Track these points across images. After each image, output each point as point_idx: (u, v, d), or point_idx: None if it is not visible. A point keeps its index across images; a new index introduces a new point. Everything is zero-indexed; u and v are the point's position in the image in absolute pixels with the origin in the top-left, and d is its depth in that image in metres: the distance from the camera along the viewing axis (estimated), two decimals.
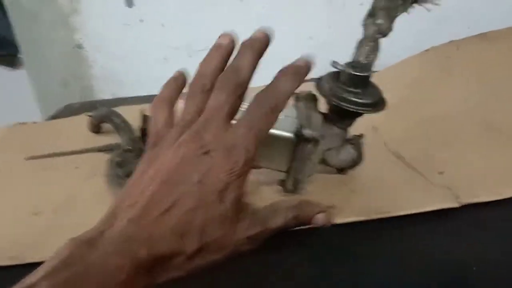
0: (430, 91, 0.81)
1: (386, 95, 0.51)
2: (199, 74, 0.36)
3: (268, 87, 0.34)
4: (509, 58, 0.85)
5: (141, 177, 0.32)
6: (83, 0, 1.05)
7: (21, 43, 1.12)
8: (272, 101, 0.33)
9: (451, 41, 0.92)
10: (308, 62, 0.35)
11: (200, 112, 0.34)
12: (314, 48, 1.12)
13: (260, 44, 0.36)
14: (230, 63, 0.35)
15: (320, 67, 1.14)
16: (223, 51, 0.37)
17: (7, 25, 1.11)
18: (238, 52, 0.36)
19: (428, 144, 0.65)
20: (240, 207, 0.32)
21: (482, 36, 0.91)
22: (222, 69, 0.36)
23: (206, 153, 0.31)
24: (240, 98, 0.34)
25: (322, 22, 1.08)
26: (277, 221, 0.34)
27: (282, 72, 0.34)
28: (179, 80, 0.40)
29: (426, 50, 0.92)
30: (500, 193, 0.51)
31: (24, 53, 1.14)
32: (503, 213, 0.50)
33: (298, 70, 0.34)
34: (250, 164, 0.32)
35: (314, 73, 1.09)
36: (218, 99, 0.33)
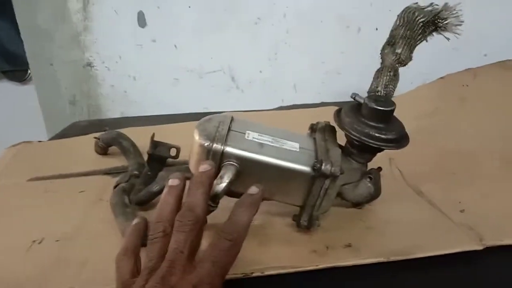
0: (447, 121, 0.79)
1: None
2: (158, 219, 0.37)
3: (227, 221, 0.36)
4: None
5: None
6: (95, 18, 1.05)
7: (31, 59, 1.12)
8: (233, 235, 0.35)
9: (468, 69, 0.91)
10: (260, 190, 0.39)
11: (163, 256, 0.34)
12: (326, 72, 1.12)
13: (208, 178, 0.40)
14: (184, 201, 0.38)
15: (332, 92, 1.13)
16: (176, 192, 0.39)
17: (18, 42, 1.11)
18: (189, 190, 0.38)
19: (447, 179, 0.62)
20: None
21: (501, 65, 0.89)
22: (178, 209, 0.38)
23: None
24: (198, 234, 0.36)
25: (335, 47, 1.08)
26: None
27: (238, 205, 0.37)
28: (141, 227, 0.41)
29: (442, 78, 0.90)
30: None
31: (34, 69, 1.14)
32: None
33: (252, 201, 0.38)
34: None
35: (325, 97, 1.08)
36: (178, 240, 0.34)
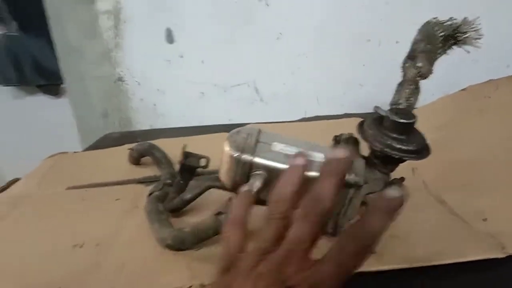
0: (469, 131, 0.80)
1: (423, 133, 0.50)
2: (278, 198, 0.34)
3: (361, 223, 0.31)
4: None
5: None
6: (126, 36, 1.10)
7: (65, 74, 1.18)
8: (365, 240, 0.30)
9: (489, 80, 0.91)
10: (400, 196, 0.31)
11: (279, 240, 0.31)
12: (348, 84, 1.14)
13: (342, 168, 0.35)
14: (313, 190, 0.33)
15: (354, 103, 1.15)
16: (300, 172, 0.36)
17: (53, 57, 1.18)
18: (322, 176, 0.34)
19: (469, 188, 0.63)
20: None
21: None
22: (300, 192, 0.34)
23: None
24: (322, 228, 0.32)
25: (357, 60, 1.10)
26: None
27: (376, 208, 0.31)
28: (248, 200, 0.38)
29: (463, 89, 0.91)
30: None
31: (67, 84, 1.20)
32: None
33: (391, 207, 0.31)
34: None
35: (347, 109, 1.09)
36: (302, 230, 0.31)
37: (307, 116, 1.08)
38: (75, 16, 1.09)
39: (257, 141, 0.49)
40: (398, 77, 0.55)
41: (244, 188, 0.40)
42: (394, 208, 0.30)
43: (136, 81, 1.15)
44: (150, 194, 0.61)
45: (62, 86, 1.27)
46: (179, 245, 0.51)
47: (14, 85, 1.31)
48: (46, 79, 1.28)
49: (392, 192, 0.31)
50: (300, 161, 0.37)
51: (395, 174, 0.53)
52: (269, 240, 0.32)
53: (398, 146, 0.46)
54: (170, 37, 1.09)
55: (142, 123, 1.19)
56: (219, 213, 0.47)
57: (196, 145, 0.69)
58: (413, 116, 0.47)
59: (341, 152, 0.35)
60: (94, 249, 0.54)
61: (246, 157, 0.47)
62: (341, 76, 1.12)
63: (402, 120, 0.46)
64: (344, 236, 0.31)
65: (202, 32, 1.08)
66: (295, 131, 0.86)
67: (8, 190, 0.74)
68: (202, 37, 1.08)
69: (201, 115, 1.16)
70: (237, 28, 1.07)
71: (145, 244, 0.54)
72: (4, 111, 1.33)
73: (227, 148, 0.48)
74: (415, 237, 0.52)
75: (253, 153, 0.47)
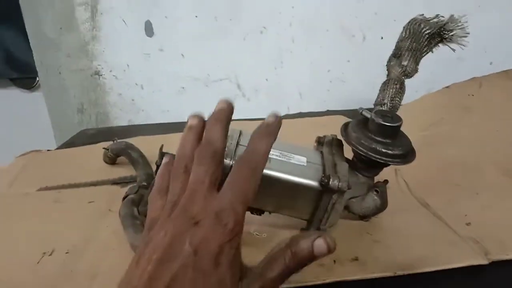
0: (452, 132, 0.79)
1: (406, 133, 0.49)
2: (178, 157, 0.38)
3: (246, 150, 0.36)
4: None
5: (139, 261, 0.33)
6: (103, 28, 1.06)
7: (40, 67, 1.13)
8: (252, 163, 0.34)
9: (473, 78, 0.91)
10: (277, 117, 0.38)
11: (185, 190, 0.35)
12: (332, 81, 1.13)
13: (226, 114, 0.39)
14: (203, 137, 0.38)
15: (338, 100, 1.14)
16: (195, 130, 0.40)
17: (27, 49, 1.13)
18: (207, 125, 0.38)
19: (453, 191, 0.62)
20: (237, 268, 0.33)
21: (506, 74, 0.90)
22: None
23: (196, 223, 0.32)
24: (218, 166, 0.36)
25: (341, 55, 1.08)
26: (276, 268, 0.33)
27: (256, 134, 0.36)
28: (170, 167, 0.41)
29: (447, 87, 0.91)
30: None
31: (42, 77, 1.15)
32: None
33: (270, 129, 0.37)
34: (241, 224, 0.32)
35: (331, 105, 1.08)
36: (198, 172, 0.35)
37: (290, 112, 1.07)
38: (51, 7, 1.05)
39: (238, 144, 0.47)
40: (382, 73, 0.54)
41: (165, 160, 0.42)
42: (274, 130, 0.37)
43: (114, 75, 1.11)
44: (124, 197, 0.59)
45: (36, 79, 1.22)
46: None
47: None
48: (20, 72, 1.24)
49: (270, 118, 0.37)
50: (194, 121, 0.40)
51: (378, 176, 0.52)
52: (176, 193, 0.35)
53: (383, 150, 0.45)
54: (149, 30, 1.06)
55: (120, 119, 1.16)
56: None
57: (177, 142, 0.67)
58: (399, 119, 0.46)
59: (222, 105, 0.40)
60: (64, 257, 0.51)
61: (226, 161, 0.45)
62: (325, 72, 1.10)
63: (387, 124, 0.45)
64: (236, 164, 0.35)
65: (183, 25, 1.05)
66: None
67: None
68: (183, 30, 1.06)
69: (182, 111, 1.12)
70: (218, 21, 1.05)
71: (120, 251, 0.52)
72: None
73: None
74: (398, 243, 0.51)
75: (233, 157, 0.45)
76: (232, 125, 0.45)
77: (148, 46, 1.07)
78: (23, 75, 1.24)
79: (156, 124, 0.99)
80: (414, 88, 0.79)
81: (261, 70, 1.10)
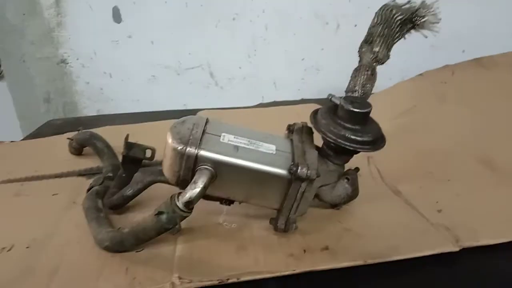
0: (424, 119, 0.79)
1: (379, 121, 0.49)
2: None
3: None
4: (504, 87, 0.84)
5: None
6: (69, 14, 1.02)
7: (3, 56, 1.08)
8: None
9: (445, 66, 0.91)
10: None
11: None
12: (306, 69, 1.11)
13: None
14: None
15: (312, 88, 1.13)
16: None
17: None
18: None
19: (424, 178, 0.63)
20: None
21: (477, 62, 0.90)
22: None
23: None
24: None
25: (315, 43, 1.07)
26: None
27: None
28: None
29: (420, 75, 0.91)
30: (502, 236, 0.49)
31: (6, 66, 1.10)
32: (506, 256, 0.48)
33: None
34: None
35: (305, 94, 1.07)
36: None
37: (265, 101, 1.05)
38: None
39: (204, 132, 0.46)
40: (356, 61, 0.53)
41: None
42: None
43: (81, 63, 1.07)
44: (89, 189, 0.56)
45: (1, 68, 1.17)
46: (117, 247, 0.46)
47: None
48: None
49: None
50: None
51: (350, 162, 0.51)
52: None
53: (353, 137, 0.44)
54: (117, 16, 1.02)
55: (89, 108, 1.12)
56: (159, 213, 0.43)
57: (144, 133, 0.65)
58: (369, 105, 0.45)
59: None
60: (24, 252, 0.49)
61: (191, 150, 0.43)
62: (299, 61, 1.09)
63: (356, 110, 0.44)
64: None
65: (152, 11, 1.02)
66: (251, 118, 0.83)
67: None
68: (152, 16, 1.02)
69: (153, 100, 1.10)
70: (189, 7, 1.02)
71: (82, 245, 0.49)
72: None
73: (169, 140, 0.44)
74: (370, 231, 0.51)
75: (198, 145, 0.44)
76: (204, 114, 0.44)
77: (116, 33, 1.04)
78: None
79: (126, 113, 0.96)
80: (388, 76, 0.79)
81: (234, 58, 1.08)
